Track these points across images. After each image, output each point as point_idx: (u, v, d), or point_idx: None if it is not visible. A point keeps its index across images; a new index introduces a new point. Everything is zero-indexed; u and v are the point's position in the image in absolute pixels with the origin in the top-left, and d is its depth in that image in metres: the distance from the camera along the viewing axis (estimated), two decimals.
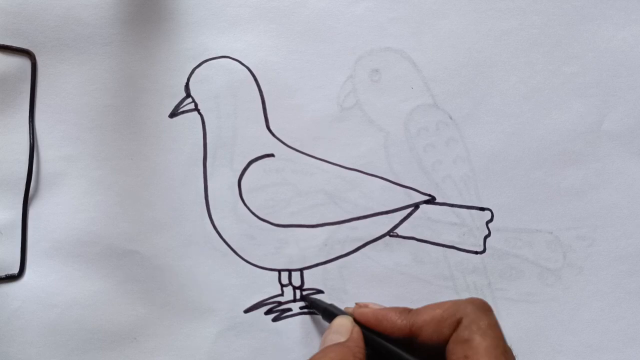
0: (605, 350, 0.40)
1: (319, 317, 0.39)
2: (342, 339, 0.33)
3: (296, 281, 0.40)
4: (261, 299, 0.39)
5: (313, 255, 0.40)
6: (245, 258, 0.40)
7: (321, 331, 0.40)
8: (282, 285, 0.40)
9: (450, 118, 0.41)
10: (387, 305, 0.36)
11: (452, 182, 0.41)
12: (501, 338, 0.30)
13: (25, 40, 0.39)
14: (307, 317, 0.40)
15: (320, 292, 0.40)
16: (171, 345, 0.39)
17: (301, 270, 0.40)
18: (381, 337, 0.33)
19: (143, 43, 0.40)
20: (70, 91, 0.39)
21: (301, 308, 0.40)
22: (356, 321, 0.34)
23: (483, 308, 0.32)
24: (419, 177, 0.41)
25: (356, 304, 0.36)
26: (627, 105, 0.42)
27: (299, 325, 0.40)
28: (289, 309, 0.40)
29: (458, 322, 0.31)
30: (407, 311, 0.33)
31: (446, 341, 0.31)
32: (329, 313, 0.36)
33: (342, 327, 0.34)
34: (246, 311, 0.39)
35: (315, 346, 0.39)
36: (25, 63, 0.39)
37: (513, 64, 0.42)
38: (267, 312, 0.39)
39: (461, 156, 0.41)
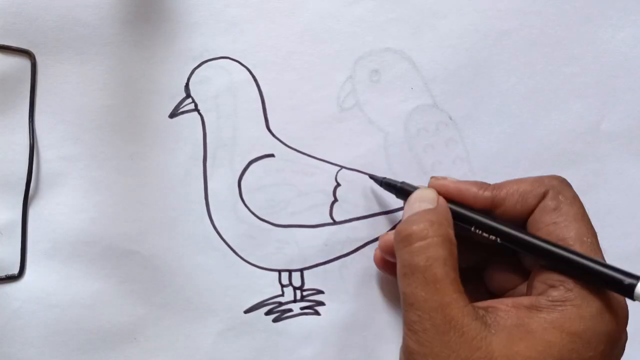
0: None
1: (320, 317, 0.39)
2: (431, 207, 0.33)
3: (296, 281, 0.40)
4: (261, 299, 0.39)
5: (313, 255, 0.40)
6: (245, 258, 0.40)
7: (322, 332, 0.40)
8: (283, 286, 0.40)
9: (450, 118, 0.42)
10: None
11: None
12: (584, 208, 0.32)
13: (25, 40, 0.39)
14: (308, 317, 0.40)
15: (320, 292, 0.40)
16: (171, 345, 0.39)
17: (301, 270, 0.40)
18: (463, 207, 0.34)
19: (143, 43, 0.40)
20: (70, 91, 0.39)
21: (302, 308, 0.40)
22: None
23: (566, 182, 0.33)
24: (419, 178, 0.41)
25: (432, 177, 0.36)
26: (626, 105, 0.43)
27: (299, 326, 0.40)
28: (290, 310, 0.40)
29: (544, 195, 0.32)
30: (487, 185, 0.34)
31: (529, 213, 0.33)
32: (405, 191, 0.36)
33: (428, 197, 0.34)
34: (246, 311, 0.39)
35: (315, 347, 0.40)
36: (25, 63, 0.39)
37: (513, 65, 0.42)
38: (268, 313, 0.39)
39: (460, 156, 0.42)
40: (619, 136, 0.42)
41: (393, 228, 0.40)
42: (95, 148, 0.39)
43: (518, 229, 0.32)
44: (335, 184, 0.40)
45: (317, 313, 0.40)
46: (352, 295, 0.40)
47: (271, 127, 0.40)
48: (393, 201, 0.40)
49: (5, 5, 0.38)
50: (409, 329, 0.30)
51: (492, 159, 0.42)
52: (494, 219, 0.33)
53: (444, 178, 0.35)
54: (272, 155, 0.40)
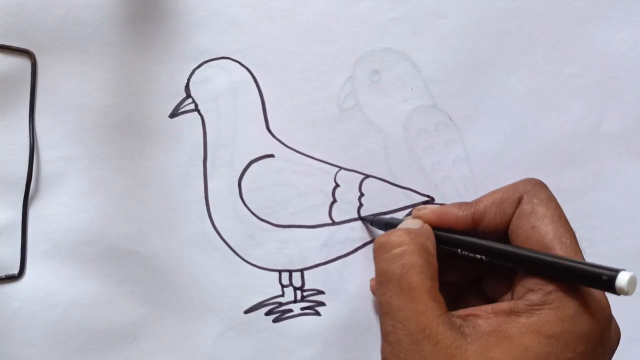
0: None
1: (320, 318, 0.39)
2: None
3: (297, 282, 0.40)
4: (262, 299, 0.40)
5: (313, 255, 0.40)
6: (246, 258, 0.40)
7: (322, 332, 0.40)
8: (283, 286, 0.40)
9: (450, 119, 0.42)
10: None
11: (451, 183, 0.41)
12: (561, 208, 0.32)
13: (25, 40, 0.39)
14: (308, 318, 0.40)
15: (321, 292, 0.40)
16: (171, 346, 0.39)
17: (302, 270, 0.40)
18: (446, 231, 0.34)
19: (143, 43, 0.40)
20: (70, 91, 0.39)
21: (302, 309, 0.40)
22: None
23: (540, 184, 0.33)
24: (418, 178, 0.41)
25: (414, 209, 0.36)
26: (626, 106, 0.43)
27: (299, 326, 0.40)
28: (290, 310, 0.40)
29: (519, 200, 0.32)
30: (466, 204, 0.34)
31: (509, 221, 0.32)
32: (392, 225, 0.36)
33: (413, 222, 0.34)
34: (246, 312, 0.39)
35: (316, 347, 0.40)
36: (25, 63, 0.39)
37: (513, 65, 0.42)
38: (268, 313, 0.39)
39: (460, 157, 0.42)
40: (619, 137, 0.42)
41: None
42: (95, 148, 0.39)
43: (488, 240, 0.32)
44: (334, 184, 0.40)
45: (317, 313, 0.40)
46: (352, 295, 0.40)
47: (271, 128, 0.40)
48: (391, 202, 0.40)
49: (5, 5, 0.38)
50: (385, 341, 0.30)
51: (492, 160, 0.42)
52: (472, 235, 0.33)
53: (424, 207, 0.35)
54: (272, 156, 0.40)
